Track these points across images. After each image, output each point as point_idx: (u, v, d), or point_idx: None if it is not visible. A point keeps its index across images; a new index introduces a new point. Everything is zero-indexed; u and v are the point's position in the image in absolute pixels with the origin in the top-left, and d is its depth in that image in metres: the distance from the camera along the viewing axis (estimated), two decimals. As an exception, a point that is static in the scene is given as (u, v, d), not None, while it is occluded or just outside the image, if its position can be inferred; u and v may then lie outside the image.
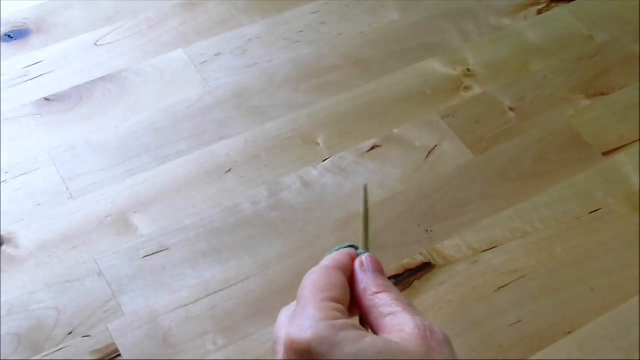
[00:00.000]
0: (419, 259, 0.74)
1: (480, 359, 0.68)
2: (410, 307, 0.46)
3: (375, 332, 0.46)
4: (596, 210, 0.78)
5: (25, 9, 0.95)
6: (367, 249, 0.51)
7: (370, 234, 0.51)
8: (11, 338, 0.68)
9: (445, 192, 0.78)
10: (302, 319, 0.44)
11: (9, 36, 0.92)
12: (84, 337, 0.68)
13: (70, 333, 0.68)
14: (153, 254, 0.73)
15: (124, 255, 0.73)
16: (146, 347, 0.67)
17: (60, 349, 0.67)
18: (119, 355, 0.67)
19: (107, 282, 0.71)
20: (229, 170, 0.80)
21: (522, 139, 0.83)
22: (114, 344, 0.68)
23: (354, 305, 0.48)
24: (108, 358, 0.67)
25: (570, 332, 0.69)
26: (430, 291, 0.72)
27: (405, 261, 0.74)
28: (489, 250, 0.75)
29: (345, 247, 0.51)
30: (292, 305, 0.47)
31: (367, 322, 0.47)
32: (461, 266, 0.73)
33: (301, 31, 0.94)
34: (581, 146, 0.83)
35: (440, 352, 0.43)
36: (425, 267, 0.73)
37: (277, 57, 0.91)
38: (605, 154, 0.83)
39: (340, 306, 0.45)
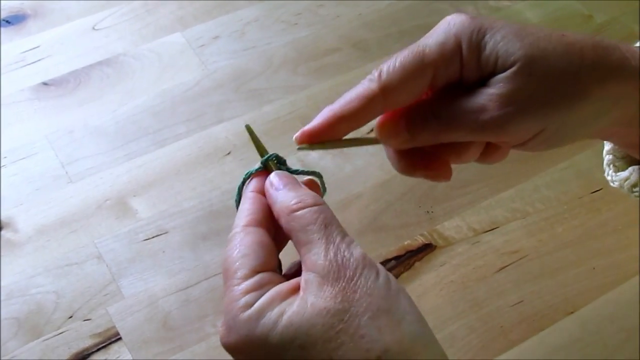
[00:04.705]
0: (419, 240, 0.74)
1: (482, 340, 0.67)
2: (325, 232, 0.45)
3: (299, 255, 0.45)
4: (597, 191, 0.77)
5: (22, -6, 0.94)
6: (266, 152, 0.51)
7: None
8: (11, 322, 0.67)
9: (445, 173, 0.78)
10: (223, 318, 0.45)
11: (7, 21, 0.91)
12: (84, 320, 0.68)
13: (70, 317, 0.68)
14: (152, 237, 0.73)
15: (124, 239, 0.73)
16: (146, 330, 0.67)
17: (60, 332, 0.67)
18: (119, 338, 0.67)
19: (106, 265, 0.71)
20: (228, 153, 0.80)
21: (522, 119, 0.83)
22: (114, 327, 0.67)
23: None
24: (108, 341, 0.67)
25: (571, 312, 0.69)
26: (431, 272, 0.72)
27: (406, 242, 0.73)
28: (490, 231, 0.74)
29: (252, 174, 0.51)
30: None
31: (293, 242, 0.47)
32: (462, 247, 0.73)
33: (299, 13, 0.93)
34: (582, 126, 0.83)
35: (353, 288, 0.42)
36: (426, 248, 0.73)
37: (275, 40, 0.90)
38: (605, 134, 0.82)
39: (256, 279, 0.45)
